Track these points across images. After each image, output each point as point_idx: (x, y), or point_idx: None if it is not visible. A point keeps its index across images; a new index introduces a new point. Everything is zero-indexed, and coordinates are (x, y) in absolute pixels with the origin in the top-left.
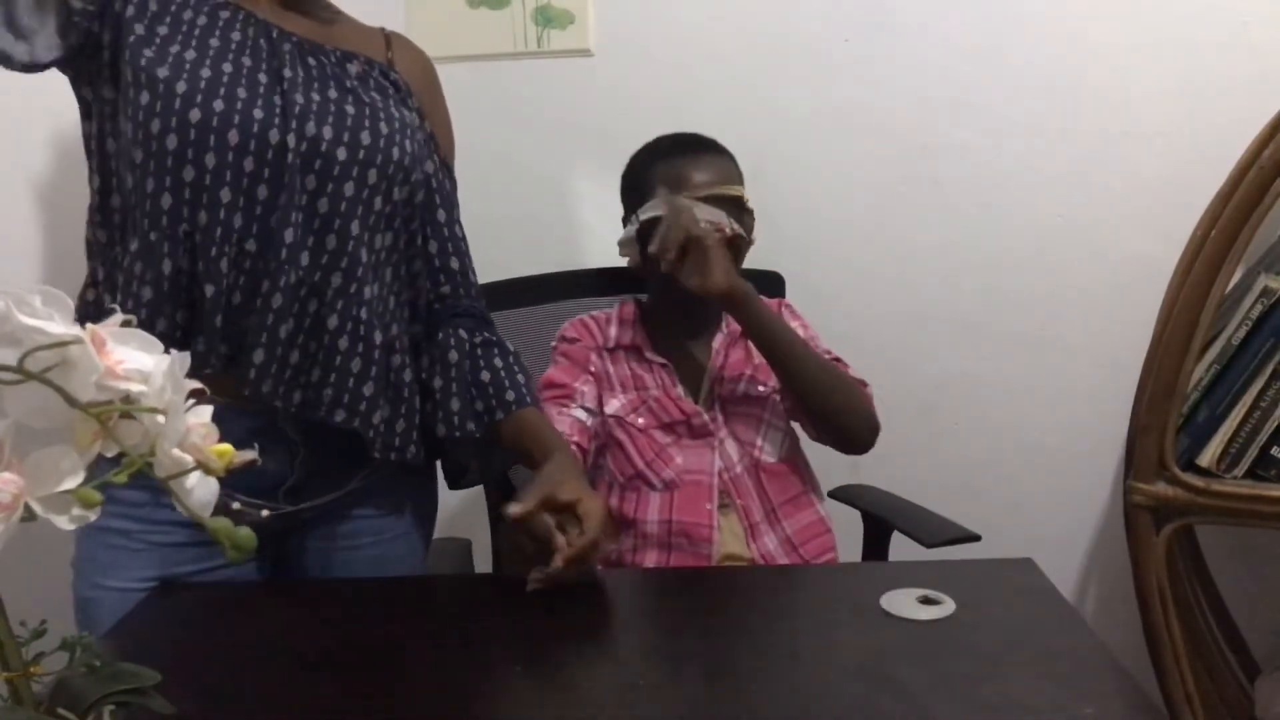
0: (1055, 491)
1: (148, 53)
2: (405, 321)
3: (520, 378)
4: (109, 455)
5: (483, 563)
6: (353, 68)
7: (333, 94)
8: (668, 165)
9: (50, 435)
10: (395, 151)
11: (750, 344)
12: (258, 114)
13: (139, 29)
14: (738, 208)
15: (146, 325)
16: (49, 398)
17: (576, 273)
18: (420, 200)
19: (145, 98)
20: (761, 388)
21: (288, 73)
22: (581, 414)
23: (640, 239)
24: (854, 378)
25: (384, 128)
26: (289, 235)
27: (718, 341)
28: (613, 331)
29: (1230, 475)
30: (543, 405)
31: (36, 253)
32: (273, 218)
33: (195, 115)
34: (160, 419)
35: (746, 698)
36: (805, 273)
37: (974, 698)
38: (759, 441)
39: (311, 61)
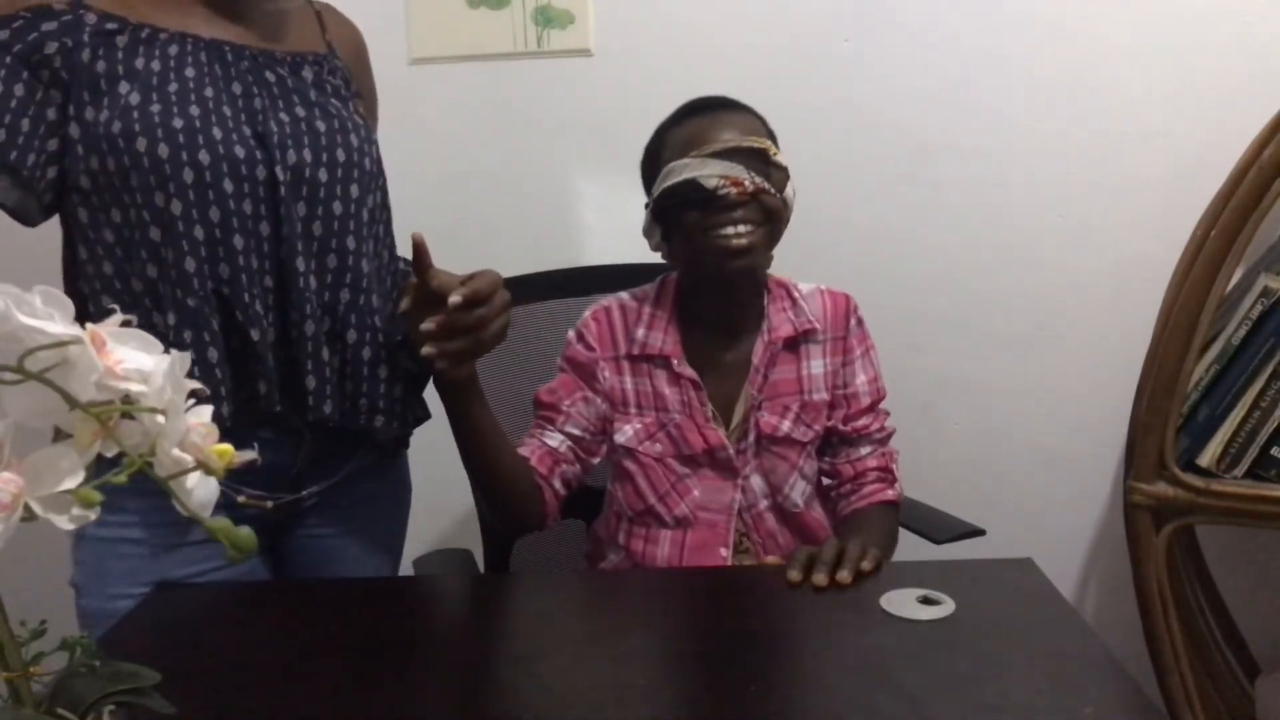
0: (1055, 491)
1: (116, 127)
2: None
3: None
4: (109, 455)
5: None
6: (307, 74)
7: (300, 111)
8: (677, 130)
9: (50, 435)
10: (366, 162)
11: (800, 363)
12: (239, 151)
13: (92, 110)
14: (763, 161)
15: (218, 383)
16: (49, 398)
17: (576, 270)
18: (384, 202)
19: (135, 178)
20: (804, 430)
21: (258, 103)
22: (555, 439)
23: (656, 220)
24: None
25: (353, 140)
26: (300, 264)
27: (757, 351)
28: (641, 333)
29: (1230, 475)
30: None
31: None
32: (281, 250)
33: (189, 175)
34: (160, 419)
35: (746, 698)
36: (805, 273)
37: (974, 698)
38: (785, 489)
39: (270, 77)
